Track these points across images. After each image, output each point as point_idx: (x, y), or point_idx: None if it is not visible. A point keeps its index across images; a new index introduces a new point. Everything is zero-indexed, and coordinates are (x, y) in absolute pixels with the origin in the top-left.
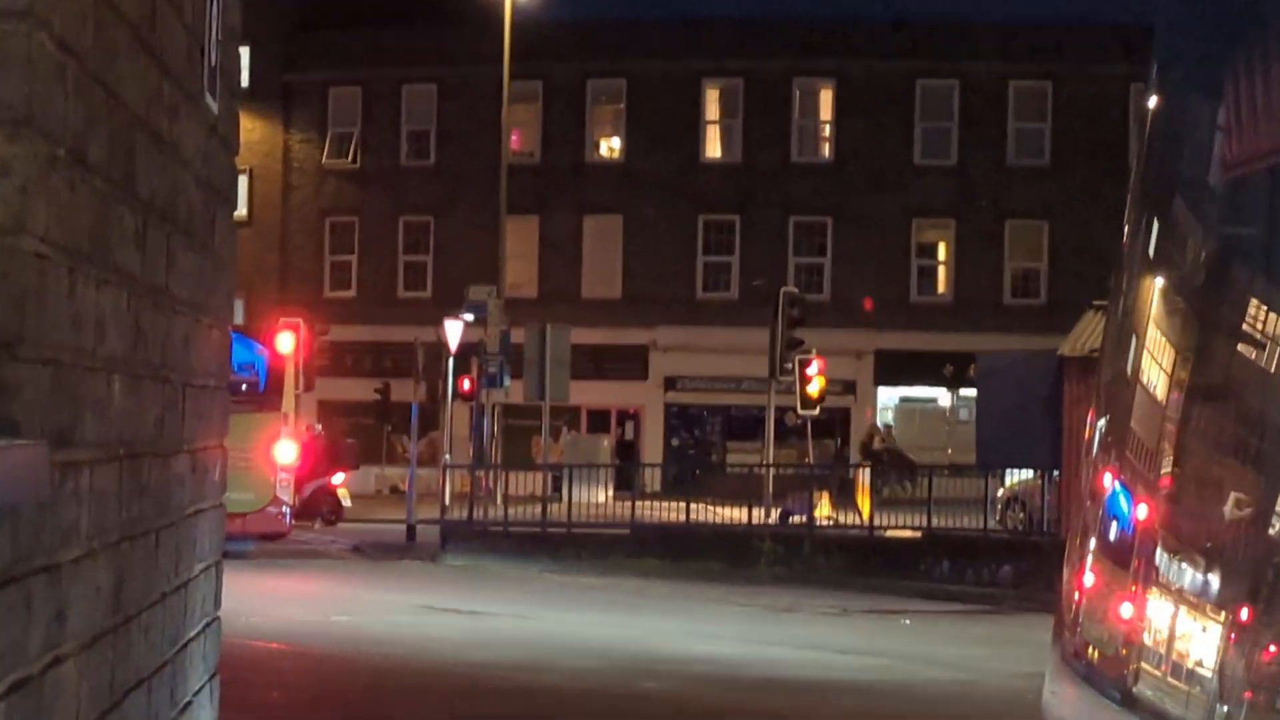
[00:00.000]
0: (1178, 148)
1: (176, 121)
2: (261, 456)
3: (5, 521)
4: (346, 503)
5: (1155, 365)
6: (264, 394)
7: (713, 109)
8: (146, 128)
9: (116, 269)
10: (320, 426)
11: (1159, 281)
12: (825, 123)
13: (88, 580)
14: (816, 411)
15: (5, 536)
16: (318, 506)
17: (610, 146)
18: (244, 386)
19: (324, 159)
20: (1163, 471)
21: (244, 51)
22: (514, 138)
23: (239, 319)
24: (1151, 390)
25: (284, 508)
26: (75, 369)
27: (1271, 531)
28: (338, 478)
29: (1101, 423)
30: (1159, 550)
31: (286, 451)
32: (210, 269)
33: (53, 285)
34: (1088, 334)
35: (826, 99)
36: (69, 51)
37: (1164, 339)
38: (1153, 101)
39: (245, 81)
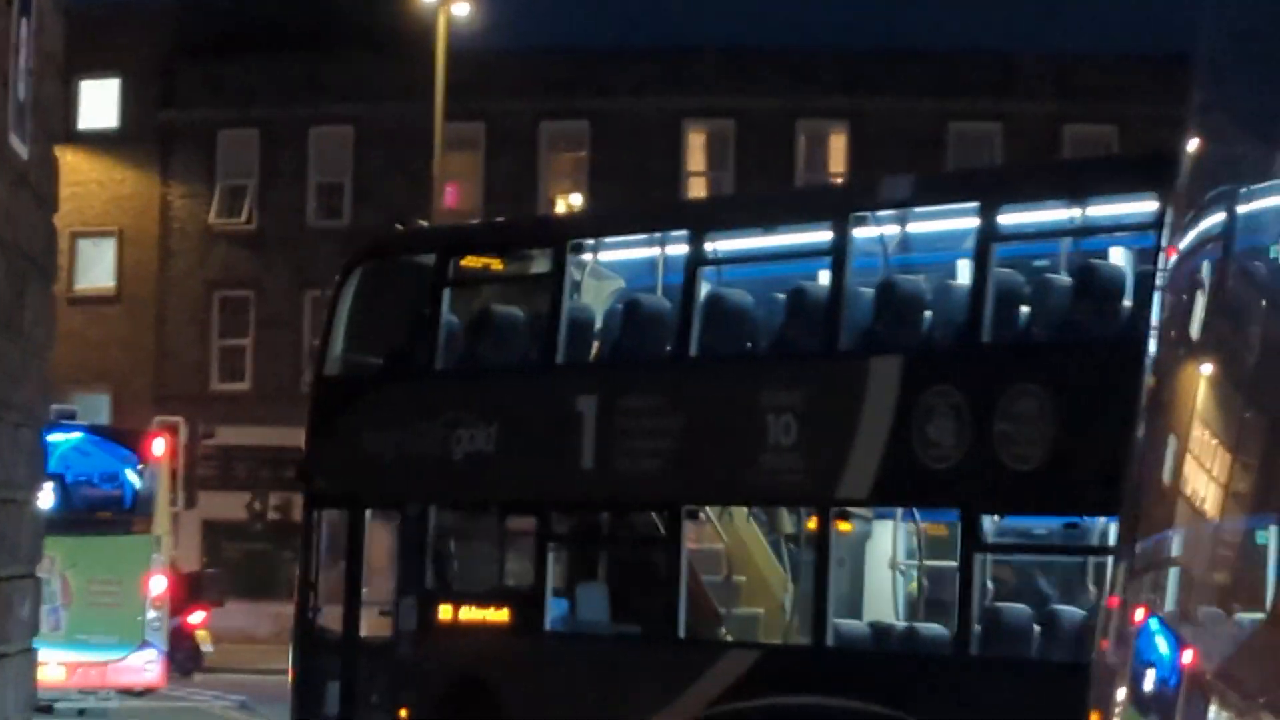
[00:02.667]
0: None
1: None
2: (128, 590)
3: None
4: (207, 648)
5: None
6: (132, 511)
7: (697, 158)
8: None
9: None
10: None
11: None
12: (836, 176)
13: None
14: None
15: None
16: (170, 652)
17: (569, 203)
18: (107, 502)
19: (211, 218)
20: None
21: (111, 84)
22: (449, 192)
23: (103, 418)
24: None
25: (155, 654)
26: None
27: None
28: (196, 616)
29: None
30: None
31: (158, 584)
32: (17, 355)
33: None
34: None
35: (838, 145)
36: None
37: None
38: (1193, 144)
39: (114, 120)
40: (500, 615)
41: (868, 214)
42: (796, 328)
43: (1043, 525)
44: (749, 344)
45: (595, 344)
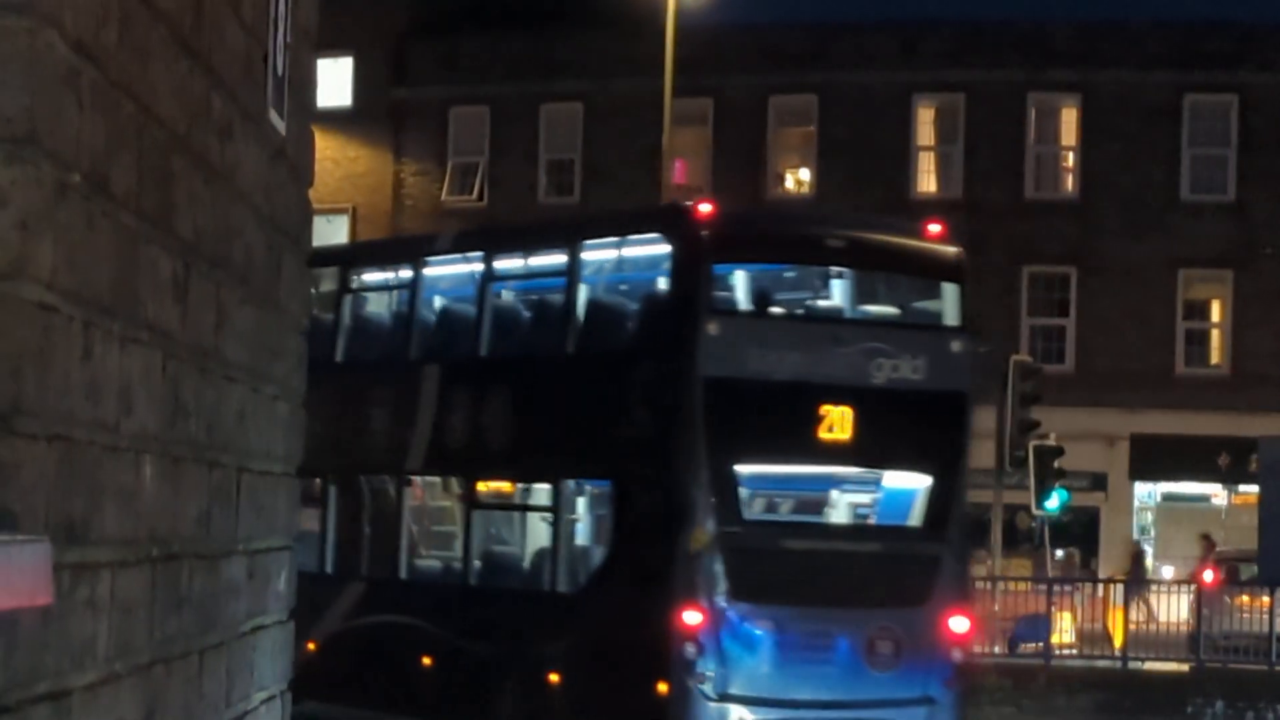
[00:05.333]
0: None
1: (230, 143)
2: None
3: None
4: None
5: None
6: None
7: (926, 132)
8: (189, 150)
9: (148, 325)
10: None
11: None
12: (1068, 149)
13: (107, 712)
14: (1057, 512)
15: None
16: None
17: (798, 179)
18: None
19: (443, 195)
20: None
21: (345, 62)
22: (678, 168)
23: None
24: None
25: None
26: (91, 448)
27: None
28: None
29: None
30: None
31: None
32: (274, 326)
33: (61, 343)
34: None
35: (1070, 120)
36: (85, 54)
37: None
38: None
39: (347, 99)
40: (315, 562)
41: (429, 259)
42: (403, 341)
43: (519, 489)
44: (396, 353)
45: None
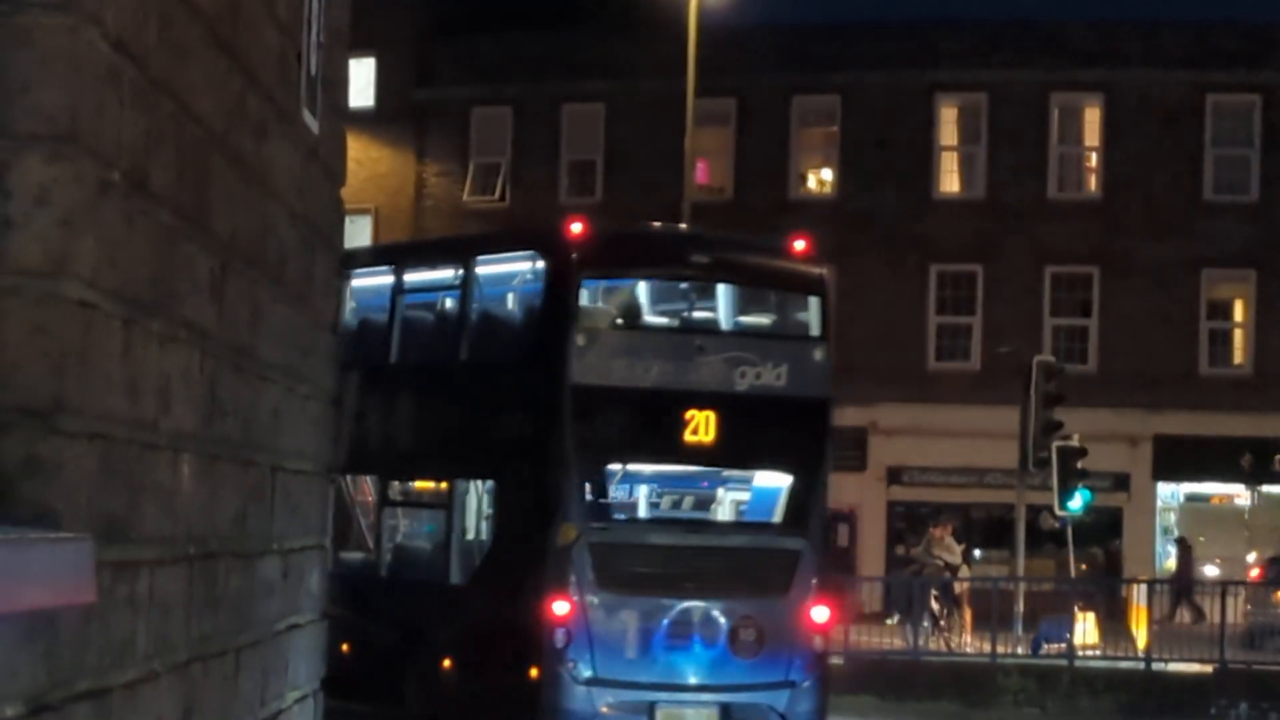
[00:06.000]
0: None
1: (265, 142)
2: None
3: (39, 635)
4: None
5: None
6: None
7: (949, 132)
8: (226, 148)
9: (186, 323)
10: None
11: None
12: (1091, 149)
13: (146, 710)
14: (1080, 512)
15: (38, 654)
16: None
17: (820, 179)
18: None
19: (465, 195)
20: None
21: (368, 63)
22: (700, 168)
23: None
24: None
25: None
26: (130, 446)
27: None
28: None
29: None
30: None
31: None
32: (307, 325)
33: (102, 342)
34: None
35: (1092, 120)
36: (125, 52)
37: None
38: None
39: (370, 99)
40: None
41: (353, 271)
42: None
43: (422, 488)
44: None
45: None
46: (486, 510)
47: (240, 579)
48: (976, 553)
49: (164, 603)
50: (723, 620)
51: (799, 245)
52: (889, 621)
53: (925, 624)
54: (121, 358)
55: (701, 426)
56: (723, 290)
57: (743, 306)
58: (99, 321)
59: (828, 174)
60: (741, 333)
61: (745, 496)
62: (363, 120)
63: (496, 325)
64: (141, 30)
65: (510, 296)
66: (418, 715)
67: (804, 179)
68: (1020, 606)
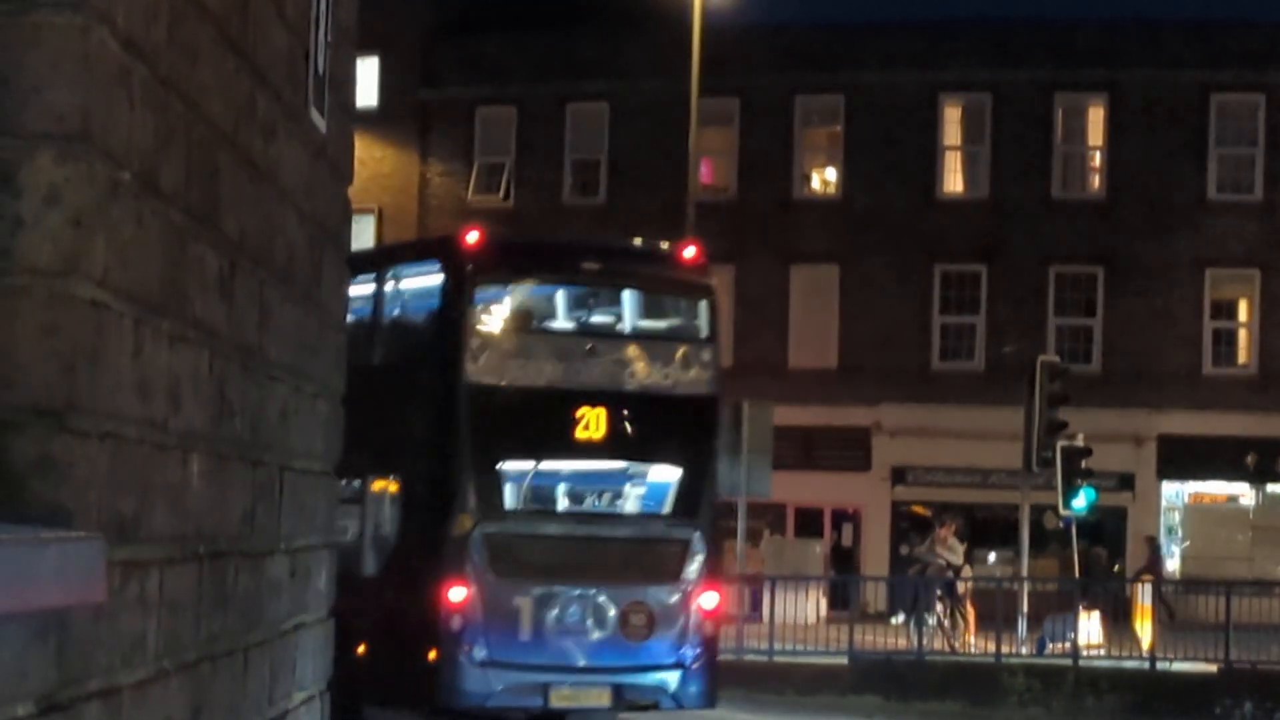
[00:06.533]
0: None
1: (273, 141)
2: None
3: (50, 634)
4: None
5: None
6: None
7: (953, 132)
8: (235, 148)
9: (195, 323)
10: None
11: None
12: (1094, 149)
13: (156, 710)
14: (1084, 512)
15: (49, 653)
16: None
17: (824, 179)
18: None
19: (469, 195)
20: None
21: (371, 62)
22: (704, 168)
23: None
24: None
25: None
26: (141, 445)
27: None
28: None
29: None
30: None
31: None
32: (314, 325)
33: (113, 341)
34: None
35: (1096, 119)
36: (136, 51)
37: None
38: None
39: (374, 99)
40: None
41: None
42: None
43: (344, 484)
44: None
45: None
46: (396, 505)
47: (249, 578)
48: (991, 556)
49: (174, 602)
50: (613, 606)
51: (689, 252)
52: (894, 621)
53: (931, 623)
54: (132, 357)
55: (592, 423)
56: (615, 296)
57: (635, 311)
58: (110, 321)
59: (832, 174)
60: (633, 335)
61: (637, 489)
62: (367, 120)
63: (404, 330)
64: (151, 30)
65: (416, 303)
66: (338, 701)
67: (808, 179)
68: (1025, 606)
